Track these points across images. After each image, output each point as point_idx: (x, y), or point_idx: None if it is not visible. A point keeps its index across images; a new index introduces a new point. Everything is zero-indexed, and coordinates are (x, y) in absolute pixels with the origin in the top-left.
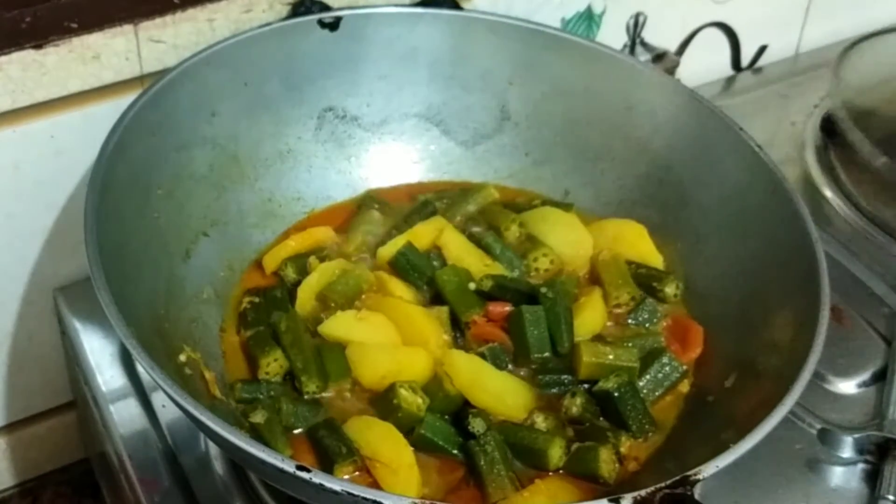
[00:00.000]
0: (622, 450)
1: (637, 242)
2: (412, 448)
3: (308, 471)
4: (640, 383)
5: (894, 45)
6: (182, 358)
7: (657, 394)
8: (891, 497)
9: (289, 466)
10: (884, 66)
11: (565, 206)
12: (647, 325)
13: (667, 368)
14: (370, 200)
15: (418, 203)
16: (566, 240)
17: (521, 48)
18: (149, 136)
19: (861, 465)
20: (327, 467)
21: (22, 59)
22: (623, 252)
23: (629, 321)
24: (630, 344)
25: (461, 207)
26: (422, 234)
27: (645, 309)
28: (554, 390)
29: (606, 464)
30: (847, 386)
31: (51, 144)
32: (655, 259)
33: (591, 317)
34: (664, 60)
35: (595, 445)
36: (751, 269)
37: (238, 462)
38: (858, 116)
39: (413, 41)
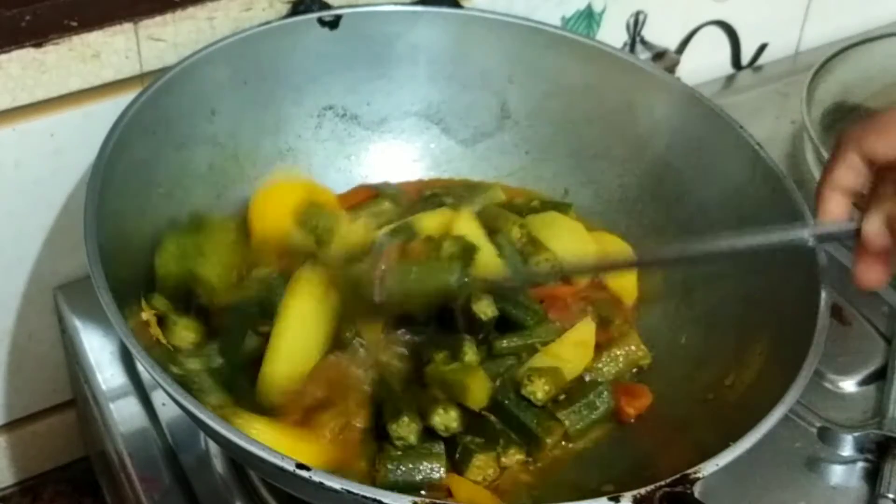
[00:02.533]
0: (503, 459)
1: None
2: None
3: (307, 469)
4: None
5: (883, 49)
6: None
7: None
8: (891, 495)
9: (288, 465)
10: (875, 68)
11: (564, 207)
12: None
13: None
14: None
15: (424, 196)
16: (570, 247)
17: (522, 46)
18: (149, 134)
19: (861, 464)
20: None
21: (22, 58)
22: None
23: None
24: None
25: (468, 204)
26: (429, 223)
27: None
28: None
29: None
30: (847, 384)
31: (51, 143)
32: (630, 291)
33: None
34: (664, 59)
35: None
36: (751, 267)
37: (238, 460)
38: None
39: (413, 39)
